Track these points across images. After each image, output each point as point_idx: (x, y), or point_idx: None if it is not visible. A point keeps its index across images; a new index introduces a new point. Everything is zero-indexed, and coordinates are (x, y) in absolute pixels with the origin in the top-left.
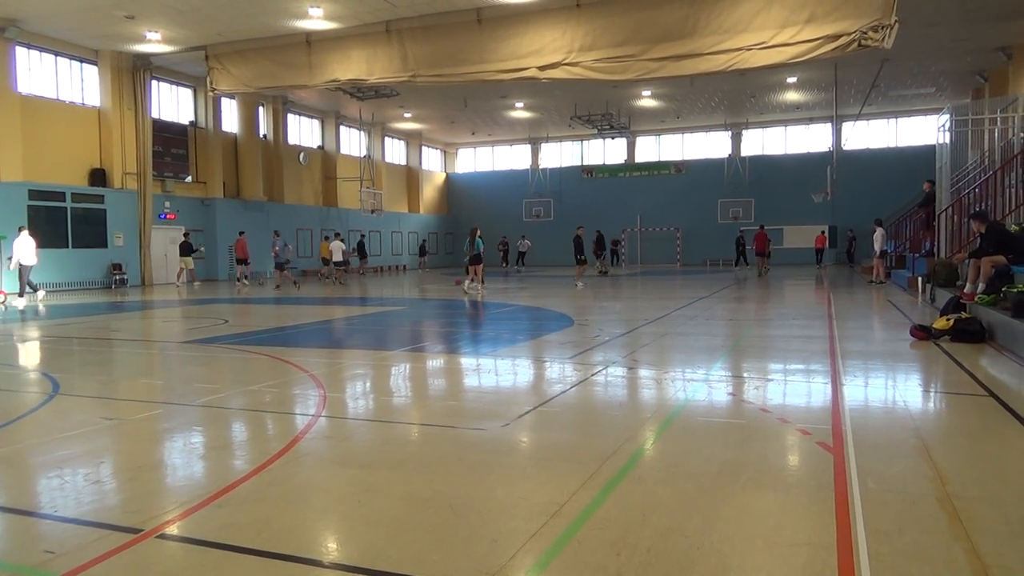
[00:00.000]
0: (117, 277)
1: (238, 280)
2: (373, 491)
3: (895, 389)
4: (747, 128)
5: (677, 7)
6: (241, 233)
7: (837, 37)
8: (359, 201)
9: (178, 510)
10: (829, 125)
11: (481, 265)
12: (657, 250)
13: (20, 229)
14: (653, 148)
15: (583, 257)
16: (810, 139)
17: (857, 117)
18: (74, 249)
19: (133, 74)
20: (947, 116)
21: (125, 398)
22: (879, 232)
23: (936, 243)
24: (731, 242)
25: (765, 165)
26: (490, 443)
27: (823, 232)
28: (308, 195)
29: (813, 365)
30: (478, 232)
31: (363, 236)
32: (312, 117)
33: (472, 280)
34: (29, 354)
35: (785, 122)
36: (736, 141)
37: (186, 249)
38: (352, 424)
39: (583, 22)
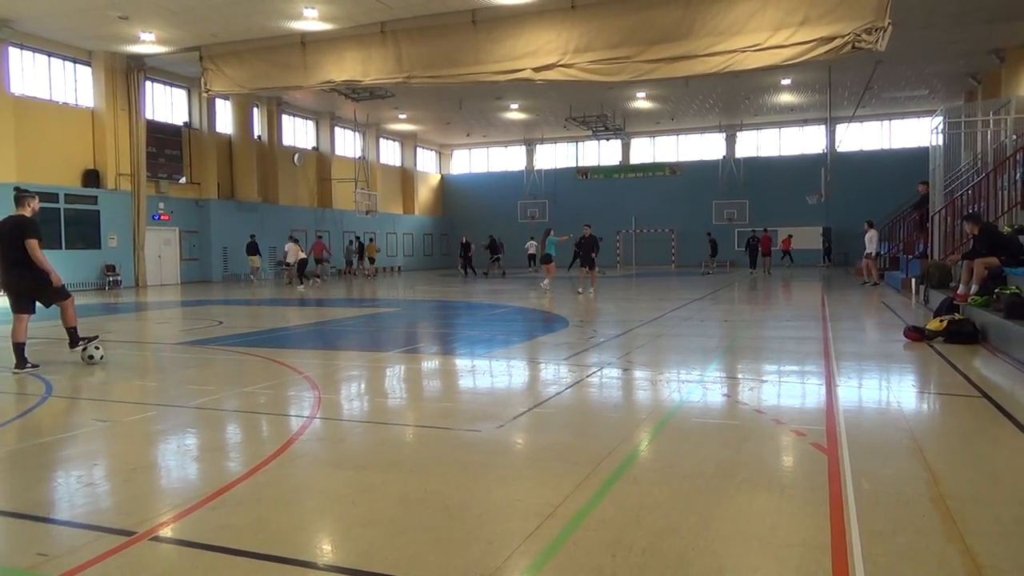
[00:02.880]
0: (111, 278)
1: (316, 277)
2: (368, 493)
3: (889, 390)
4: (742, 130)
5: (672, 9)
6: (319, 236)
7: (831, 39)
8: (354, 202)
9: (172, 512)
10: (823, 127)
11: (551, 264)
12: (652, 252)
13: None
14: (648, 149)
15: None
16: (804, 141)
17: (851, 119)
18: (67, 250)
19: (127, 75)
20: (940, 118)
21: (119, 400)
22: (871, 233)
23: (930, 245)
24: (727, 243)
25: (760, 167)
26: (485, 444)
27: (789, 236)
28: (303, 196)
29: (807, 366)
30: (551, 233)
31: (371, 236)
32: (307, 118)
33: (548, 279)
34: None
35: (779, 124)
36: (731, 143)
37: (252, 249)
38: (347, 426)
39: (578, 24)
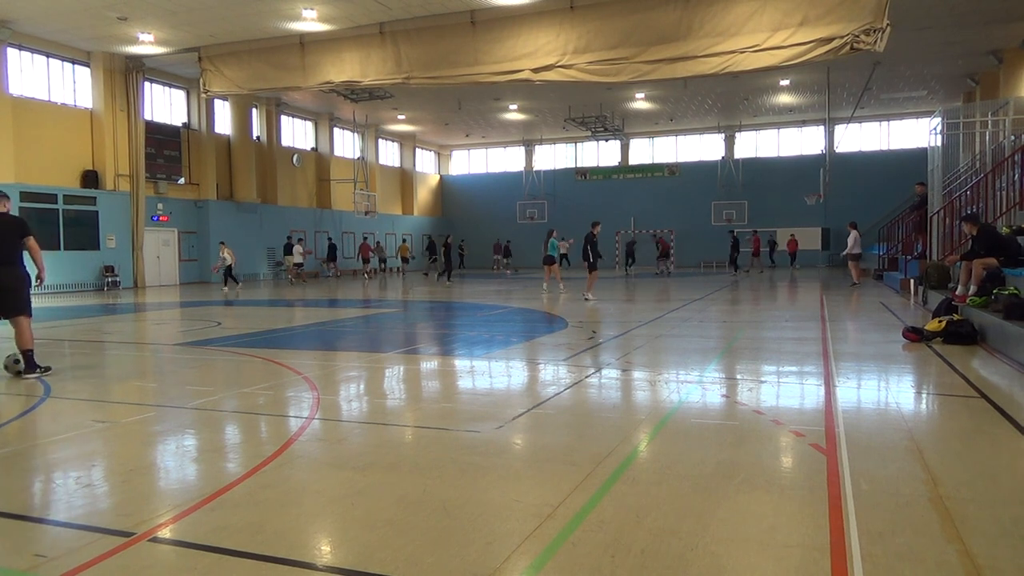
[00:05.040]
0: (109, 279)
1: (365, 275)
2: (367, 493)
3: (888, 391)
4: (740, 131)
5: (671, 10)
6: (365, 237)
7: (830, 40)
8: (353, 203)
9: (171, 513)
10: (822, 128)
11: (556, 265)
12: (651, 252)
13: None
14: (647, 150)
15: (594, 261)
16: (803, 142)
17: (849, 120)
18: (66, 251)
19: (126, 75)
20: (939, 119)
21: (117, 401)
22: (853, 234)
23: (928, 245)
24: (726, 244)
25: (758, 167)
26: (484, 445)
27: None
28: (302, 197)
29: (806, 367)
30: (554, 234)
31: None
32: (306, 119)
33: (549, 281)
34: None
35: (778, 125)
36: (729, 143)
37: (288, 249)
38: (346, 426)
39: (577, 24)
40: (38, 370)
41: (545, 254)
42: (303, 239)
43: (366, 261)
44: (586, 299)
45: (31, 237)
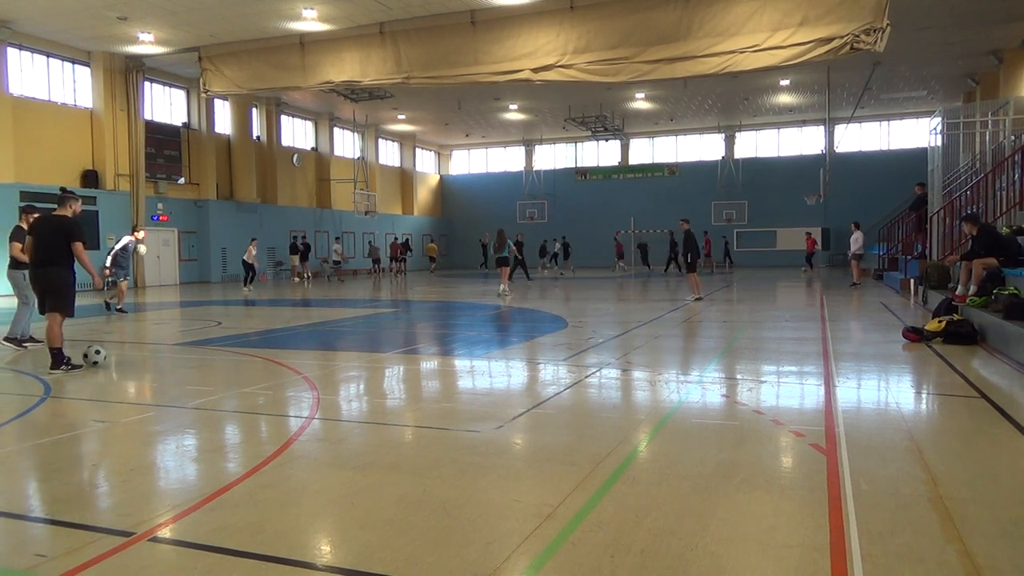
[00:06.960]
0: (110, 279)
1: (398, 273)
2: (367, 493)
3: (888, 391)
4: (740, 130)
5: (671, 10)
6: (396, 238)
7: (829, 40)
8: (353, 203)
9: (171, 513)
10: (822, 128)
11: (507, 268)
12: (651, 252)
13: None
14: (647, 150)
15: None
16: (803, 142)
17: (850, 120)
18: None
19: (126, 75)
20: (939, 119)
21: (117, 400)
22: (857, 234)
23: (928, 245)
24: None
25: (758, 167)
26: (484, 445)
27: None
28: (302, 197)
29: (806, 367)
30: (503, 234)
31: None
32: (306, 119)
33: (501, 283)
34: (19, 357)
35: (778, 125)
36: (729, 143)
37: (293, 249)
38: (346, 426)
39: (577, 24)
40: (63, 367)
41: (497, 255)
42: (340, 239)
43: (393, 259)
44: (699, 299)
45: (78, 243)
